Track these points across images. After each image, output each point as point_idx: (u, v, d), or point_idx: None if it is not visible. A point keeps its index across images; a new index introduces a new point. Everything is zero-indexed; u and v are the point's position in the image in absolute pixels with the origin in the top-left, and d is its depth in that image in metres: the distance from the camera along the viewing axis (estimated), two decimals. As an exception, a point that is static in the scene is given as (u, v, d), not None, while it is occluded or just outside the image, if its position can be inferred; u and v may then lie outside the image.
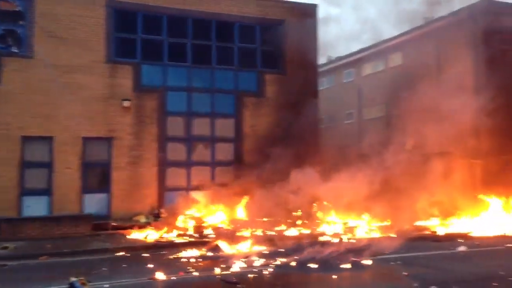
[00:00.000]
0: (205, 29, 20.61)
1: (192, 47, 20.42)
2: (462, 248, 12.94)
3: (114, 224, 17.53)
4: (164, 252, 13.02)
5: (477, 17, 21.81)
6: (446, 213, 18.20)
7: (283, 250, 12.26)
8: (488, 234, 15.61)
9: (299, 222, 17.25)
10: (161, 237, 15.64)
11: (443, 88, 19.85)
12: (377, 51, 28.30)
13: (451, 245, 13.51)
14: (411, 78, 23.45)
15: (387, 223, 17.04)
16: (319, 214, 17.83)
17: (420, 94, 20.45)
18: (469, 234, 15.57)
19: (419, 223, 17.16)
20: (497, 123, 20.33)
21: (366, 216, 17.42)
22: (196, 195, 19.09)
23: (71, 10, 18.58)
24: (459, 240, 14.38)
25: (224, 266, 10.55)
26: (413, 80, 22.88)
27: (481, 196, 18.57)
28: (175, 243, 14.74)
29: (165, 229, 16.22)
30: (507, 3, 22.40)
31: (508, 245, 13.48)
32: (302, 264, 10.68)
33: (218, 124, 20.60)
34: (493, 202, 18.08)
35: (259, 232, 15.75)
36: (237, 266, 10.54)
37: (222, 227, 16.67)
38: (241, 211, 18.06)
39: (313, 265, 10.51)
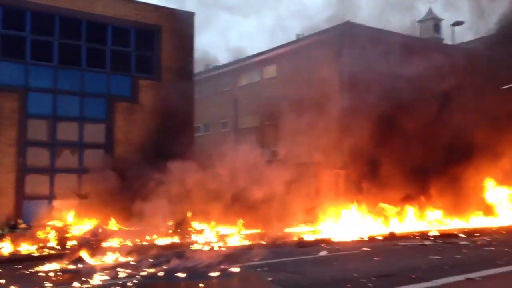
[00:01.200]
0: (75, 28, 19.52)
1: (59, 46, 19.16)
2: (324, 253, 13.71)
3: (-39, 237, 15.65)
4: (19, 267, 11.91)
5: (340, 37, 23.58)
6: (313, 220, 19.25)
7: (151, 260, 11.91)
8: (347, 238, 16.78)
9: (171, 231, 16.97)
10: (17, 250, 14.32)
11: (311, 103, 21.04)
12: (253, 62, 29.18)
13: (314, 250, 14.24)
14: (284, 90, 24.55)
15: (258, 230, 17.49)
16: (192, 223, 17.73)
17: (291, 107, 21.50)
18: (331, 239, 16.58)
19: (288, 229, 17.87)
20: (359, 136, 22.09)
21: (238, 224, 17.70)
22: (60, 204, 17.82)
23: None
24: (322, 245, 15.25)
25: (85, 279, 9.94)
26: (286, 92, 23.99)
27: (342, 203, 19.98)
28: (34, 256, 13.60)
29: (23, 241, 14.88)
30: (366, 26, 24.50)
31: (363, 248, 14.59)
32: (170, 273, 10.46)
33: (87, 130, 19.55)
34: (353, 208, 19.54)
35: (128, 242, 15.17)
36: (98, 279, 10.01)
37: (87, 238, 15.70)
38: (110, 221, 17.24)
39: (182, 274, 10.34)
